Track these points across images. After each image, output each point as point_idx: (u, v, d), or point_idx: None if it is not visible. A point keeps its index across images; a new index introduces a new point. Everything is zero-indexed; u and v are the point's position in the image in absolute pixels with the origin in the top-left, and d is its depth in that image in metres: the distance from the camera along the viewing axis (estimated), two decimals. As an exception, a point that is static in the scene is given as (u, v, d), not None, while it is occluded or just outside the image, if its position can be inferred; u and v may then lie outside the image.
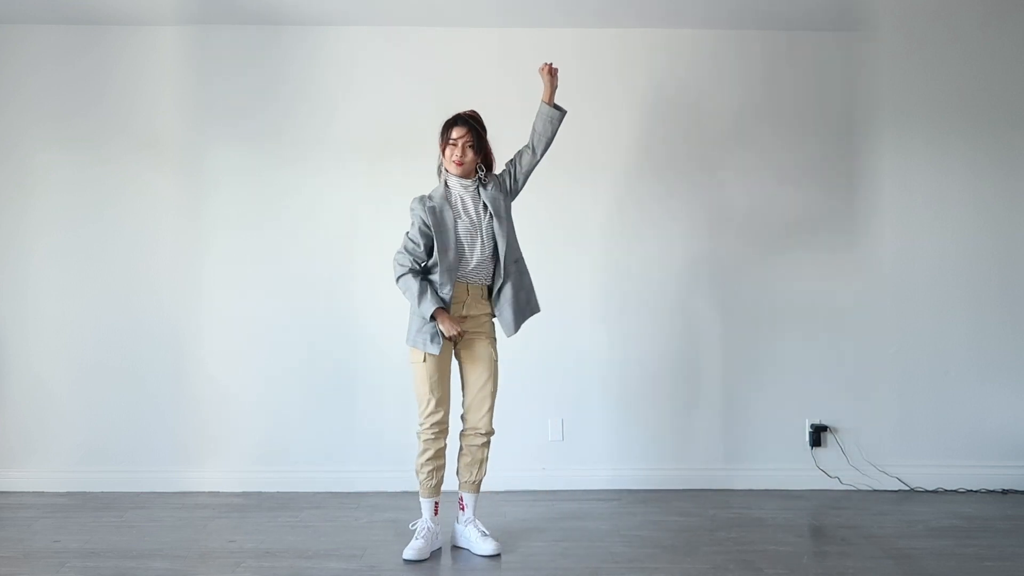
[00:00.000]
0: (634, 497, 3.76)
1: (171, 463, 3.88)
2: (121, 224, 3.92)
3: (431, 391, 2.97)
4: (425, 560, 2.95)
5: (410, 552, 2.93)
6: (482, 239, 3.01)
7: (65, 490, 3.85)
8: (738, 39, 3.97)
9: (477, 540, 3.03)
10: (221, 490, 3.86)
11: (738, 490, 3.87)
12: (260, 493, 3.84)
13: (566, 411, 3.92)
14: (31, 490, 3.85)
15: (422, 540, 2.98)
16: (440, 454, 3.01)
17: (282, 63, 3.95)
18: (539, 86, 3.93)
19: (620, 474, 3.90)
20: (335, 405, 3.91)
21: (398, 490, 3.83)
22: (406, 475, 3.79)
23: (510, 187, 3.11)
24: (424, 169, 3.90)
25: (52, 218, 3.91)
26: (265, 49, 3.94)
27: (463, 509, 3.11)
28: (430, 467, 3.00)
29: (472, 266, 3.01)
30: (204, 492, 3.84)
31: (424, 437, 2.99)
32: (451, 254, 2.97)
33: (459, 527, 3.12)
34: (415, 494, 3.70)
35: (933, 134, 3.94)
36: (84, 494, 3.81)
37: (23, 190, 3.92)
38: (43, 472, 3.87)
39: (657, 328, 3.93)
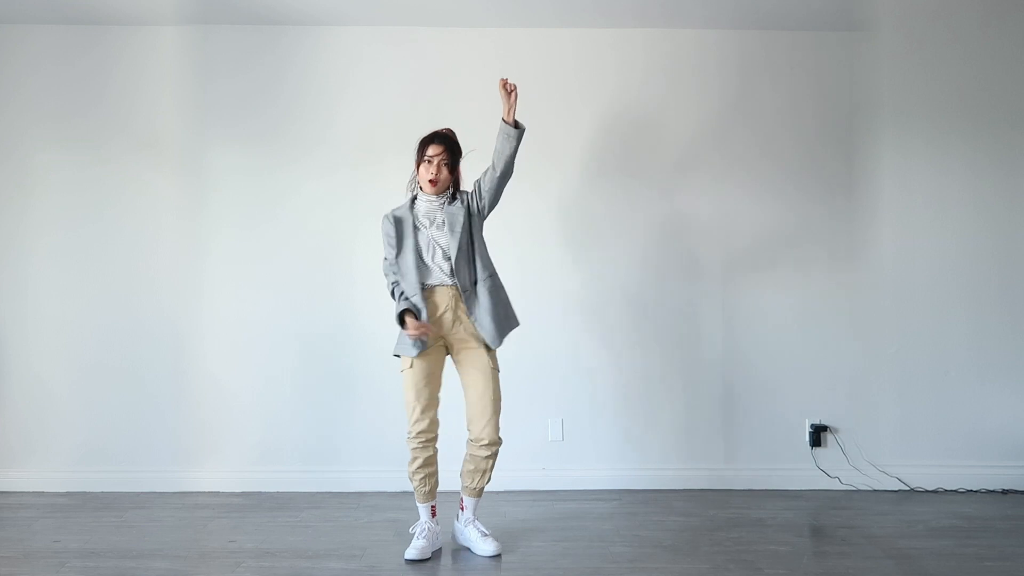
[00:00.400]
0: (634, 497, 3.76)
1: (171, 463, 3.88)
2: (121, 224, 3.92)
3: (416, 398, 2.97)
4: (427, 560, 2.95)
5: (413, 552, 2.94)
6: (442, 251, 3.00)
7: (65, 490, 3.85)
8: (738, 39, 3.97)
9: (477, 540, 3.03)
10: (221, 490, 3.86)
11: (738, 490, 3.87)
12: (260, 493, 3.84)
13: (566, 411, 3.92)
14: (31, 490, 3.85)
15: (424, 540, 2.98)
16: (429, 462, 3.00)
17: (282, 63, 3.95)
18: (538, 87, 3.96)
19: (620, 474, 3.90)
20: (335, 405, 3.91)
21: (398, 490, 3.83)
22: (406, 475, 3.80)
23: (477, 206, 3.07)
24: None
25: (52, 218, 3.91)
26: (265, 49, 3.94)
27: (463, 510, 3.12)
28: (421, 475, 3.00)
29: (446, 274, 2.99)
30: (204, 492, 3.84)
31: (412, 446, 2.99)
32: (410, 259, 2.99)
33: (459, 526, 3.13)
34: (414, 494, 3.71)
35: (933, 134, 3.94)
36: (84, 494, 3.82)
37: (23, 190, 3.92)
38: (43, 472, 3.87)
39: (657, 327, 3.93)
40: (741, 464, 3.92)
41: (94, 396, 3.89)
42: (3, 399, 3.91)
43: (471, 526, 3.07)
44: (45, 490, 3.85)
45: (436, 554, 3.02)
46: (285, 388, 3.91)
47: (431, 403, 3.00)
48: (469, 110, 3.93)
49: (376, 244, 3.87)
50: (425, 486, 3.01)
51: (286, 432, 3.90)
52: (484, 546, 3.00)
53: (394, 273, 3.07)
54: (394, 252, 3.05)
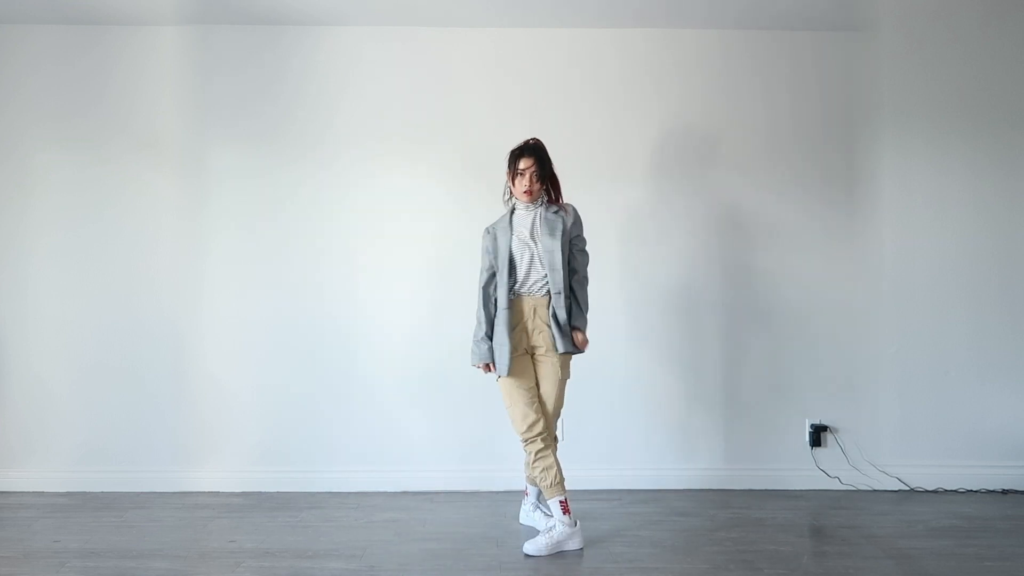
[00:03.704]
0: (634, 497, 3.76)
1: (171, 463, 3.88)
2: (121, 224, 3.92)
3: (517, 400, 3.09)
4: (541, 556, 2.97)
5: (529, 546, 3.01)
6: (535, 255, 3.13)
7: (65, 490, 3.85)
8: (738, 39, 3.97)
9: (542, 521, 3.24)
10: (221, 490, 3.86)
11: (738, 490, 3.87)
12: (260, 493, 3.84)
13: (566, 411, 3.89)
14: (31, 490, 3.85)
15: (545, 537, 3.03)
16: (545, 455, 3.07)
17: (282, 63, 3.95)
18: (539, 86, 3.97)
19: (620, 474, 3.90)
20: (335, 405, 3.91)
21: (398, 490, 3.83)
22: (406, 475, 3.81)
23: (570, 243, 3.20)
24: (424, 169, 3.93)
25: (52, 218, 3.91)
26: (265, 49, 3.94)
27: (527, 495, 3.34)
28: (540, 467, 3.07)
29: (530, 281, 3.13)
30: (204, 492, 3.85)
31: (527, 443, 3.08)
32: (504, 269, 3.11)
33: (525, 509, 3.35)
34: (415, 494, 3.73)
35: (933, 134, 3.94)
36: (84, 494, 3.82)
37: (23, 190, 3.92)
38: (43, 472, 3.87)
39: (657, 328, 3.94)
40: (741, 464, 3.92)
41: (94, 396, 3.89)
42: (3, 399, 3.91)
43: (537, 511, 3.28)
44: (45, 490, 3.85)
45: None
46: (285, 388, 3.91)
47: (532, 400, 3.10)
48: (469, 110, 3.94)
49: (376, 244, 3.91)
50: (546, 479, 3.06)
51: (286, 432, 3.90)
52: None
53: (485, 291, 3.17)
54: (492, 259, 3.17)
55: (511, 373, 3.08)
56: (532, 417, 3.07)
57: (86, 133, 3.92)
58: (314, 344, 3.91)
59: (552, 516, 3.15)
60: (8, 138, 3.92)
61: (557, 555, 2.98)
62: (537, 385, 3.16)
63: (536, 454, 3.07)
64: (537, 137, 3.21)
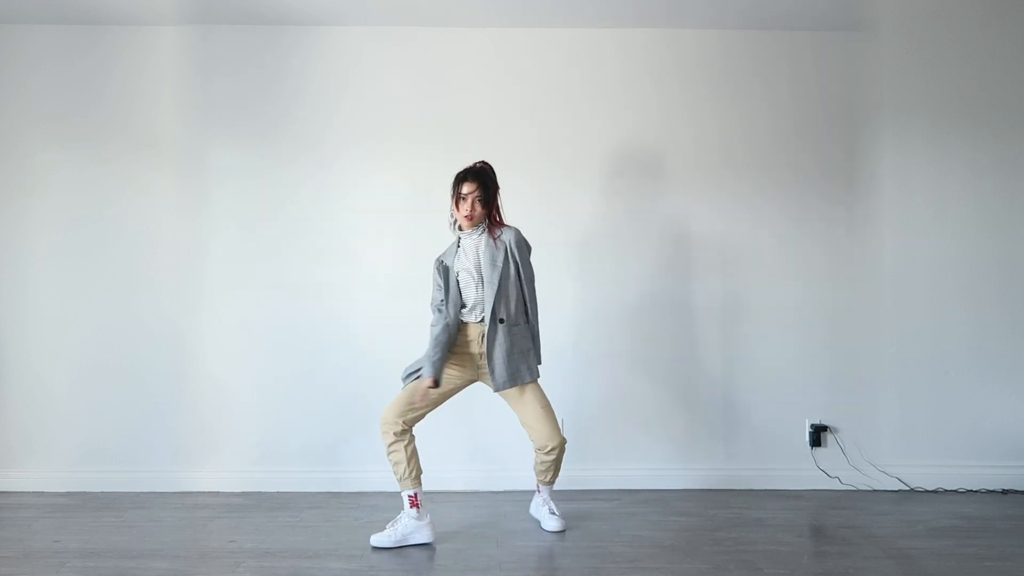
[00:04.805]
0: (634, 497, 3.76)
1: (171, 463, 3.88)
2: (121, 224, 3.92)
3: (413, 397, 3.11)
4: (389, 549, 3.03)
5: (373, 538, 3.07)
6: (474, 284, 3.14)
7: (65, 490, 3.85)
8: (738, 39, 3.97)
9: (546, 517, 3.27)
10: (221, 490, 3.86)
11: (738, 490, 3.87)
12: (260, 493, 3.84)
13: (567, 411, 3.91)
14: (31, 490, 3.85)
15: (389, 528, 3.09)
16: (396, 447, 3.10)
17: (282, 63, 3.95)
18: (539, 86, 3.97)
19: (620, 474, 3.90)
20: (335, 404, 3.91)
21: (398, 490, 3.81)
22: (406, 475, 3.80)
23: (516, 268, 3.17)
24: (424, 169, 3.93)
25: (52, 218, 3.91)
26: (265, 49, 3.94)
27: (539, 492, 3.34)
28: (393, 459, 3.12)
29: (480, 309, 3.13)
30: (204, 492, 3.85)
31: (389, 439, 3.11)
32: (452, 297, 3.14)
33: (534, 504, 3.37)
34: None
35: (933, 134, 3.94)
36: (84, 494, 3.82)
37: (23, 190, 3.92)
38: (43, 472, 3.87)
39: (657, 327, 3.93)
40: (741, 464, 3.92)
41: (94, 396, 3.89)
42: (3, 399, 3.91)
43: (544, 507, 3.30)
44: (45, 490, 3.85)
45: (426, 549, 3.04)
46: (285, 388, 3.91)
47: (422, 407, 3.13)
48: (469, 110, 3.94)
49: (376, 244, 3.92)
50: (397, 472, 3.12)
51: (286, 432, 3.90)
52: (550, 523, 3.24)
53: (438, 312, 3.18)
54: (441, 295, 3.19)
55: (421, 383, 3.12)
56: (407, 417, 3.10)
57: (86, 133, 3.92)
58: (314, 344, 3.91)
59: (554, 513, 3.25)
60: (8, 138, 3.92)
61: (556, 555, 2.98)
62: (510, 405, 3.19)
63: (389, 445, 3.10)
64: (486, 161, 3.20)
